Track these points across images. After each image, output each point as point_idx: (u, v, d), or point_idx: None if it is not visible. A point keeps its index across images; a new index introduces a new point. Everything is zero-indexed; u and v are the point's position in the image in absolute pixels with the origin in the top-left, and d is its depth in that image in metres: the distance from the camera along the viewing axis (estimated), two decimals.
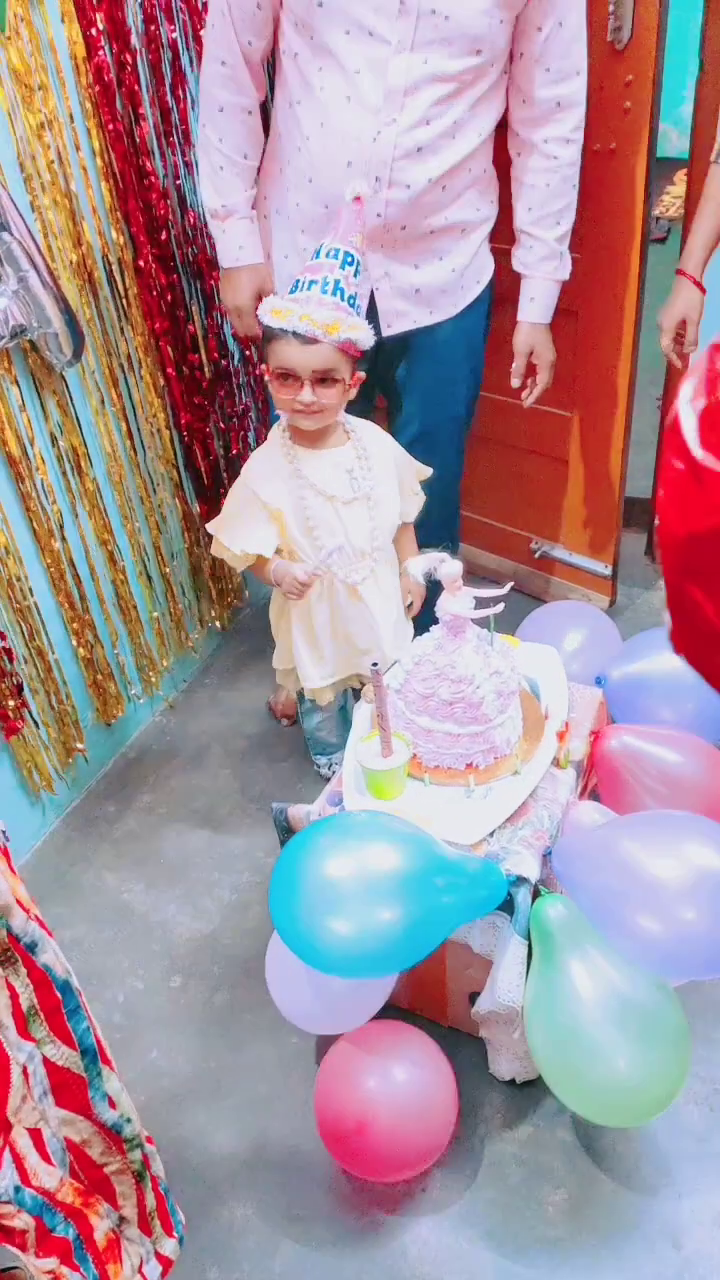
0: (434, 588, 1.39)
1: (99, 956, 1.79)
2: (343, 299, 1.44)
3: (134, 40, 1.80)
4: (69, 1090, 1.03)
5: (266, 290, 1.78)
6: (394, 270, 1.69)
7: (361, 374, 1.54)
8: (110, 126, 1.79)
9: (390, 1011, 1.47)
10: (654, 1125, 1.43)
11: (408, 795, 1.42)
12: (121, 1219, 1.15)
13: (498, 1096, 1.50)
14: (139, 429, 2.05)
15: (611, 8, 1.76)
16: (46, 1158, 0.99)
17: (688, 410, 0.43)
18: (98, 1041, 1.05)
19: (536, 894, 1.31)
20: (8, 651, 1.82)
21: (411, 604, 1.80)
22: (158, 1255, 1.22)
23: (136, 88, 1.82)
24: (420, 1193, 1.41)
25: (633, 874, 1.23)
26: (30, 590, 1.86)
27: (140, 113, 1.84)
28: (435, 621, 1.41)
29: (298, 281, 1.48)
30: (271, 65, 1.70)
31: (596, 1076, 1.22)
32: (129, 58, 1.80)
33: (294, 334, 1.43)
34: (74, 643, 2.01)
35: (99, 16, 1.72)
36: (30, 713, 1.92)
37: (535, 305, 1.84)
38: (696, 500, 0.43)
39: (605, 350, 2.10)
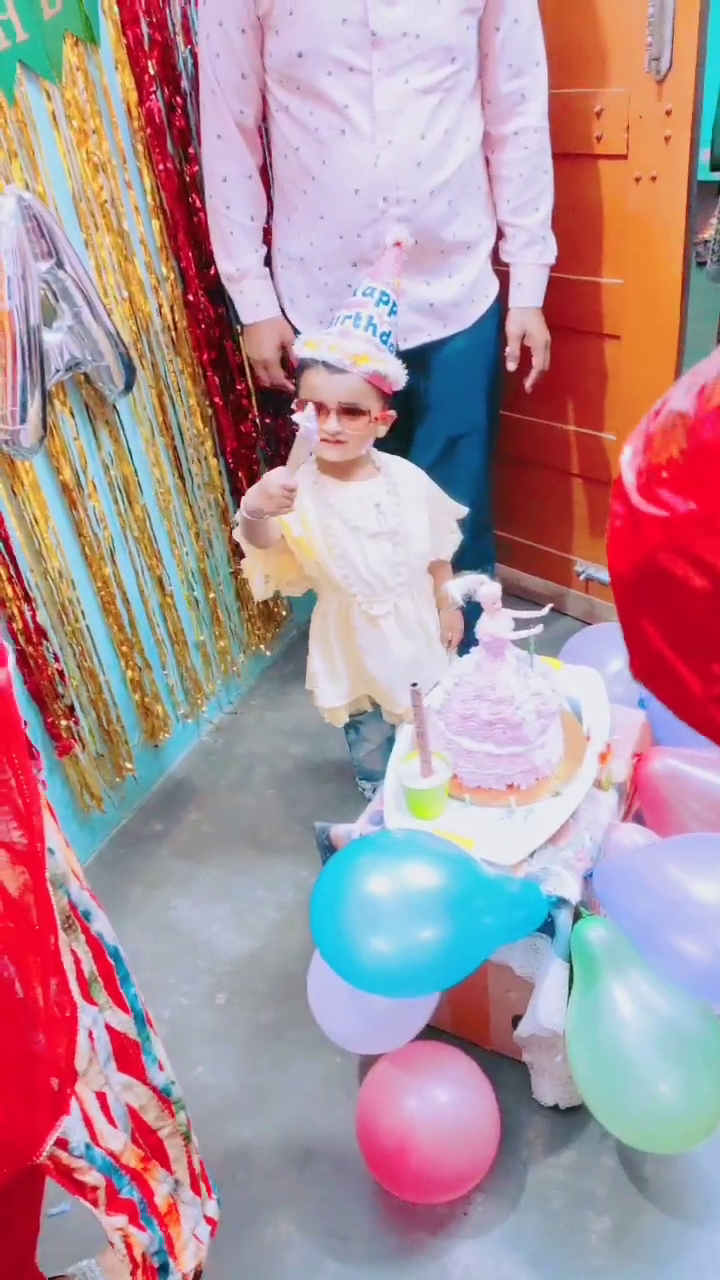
0: (474, 609, 1.41)
1: (146, 972, 1.82)
2: (375, 334, 1.48)
3: (184, 84, 1.88)
4: (127, 1055, 1.07)
5: (288, 341, 1.88)
6: (407, 287, 1.76)
7: (392, 412, 1.56)
8: (161, 166, 1.87)
9: (432, 1033, 1.48)
10: (699, 1153, 1.41)
11: (448, 815, 1.43)
12: (176, 1183, 1.18)
13: (541, 1121, 1.49)
14: (187, 457, 2.11)
15: (650, 39, 1.79)
16: (111, 1121, 1.03)
17: (628, 469, 0.48)
18: (144, 1007, 1.09)
19: (578, 916, 1.31)
20: (60, 674, 1.88)
21: (451, 639, 1.80)
22: (205, 1217, 1.25)
23: (186, 129, 1.89)
24: (463, 1215, 1.40)
25: (675, 897, 1.23)
26: (82, 613, 1.92)
27: (190, 152, 1.91)
28: (476, 643, 1.42)
29: (335, 318, 1.52)
30: (265, 128, 1.78)
31: (639, 1102, 1.21)
32: (179, 101, 1.87)
33: (323, 364, 1.47)
34: (123, 665, 2.06)
35: (150, 63, 1.80)
36: (81, 733, 1.97)
37: (523, 290, 1.90)
38: (636, 541, 0.48)
39: (648, 374, 2.11)
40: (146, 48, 1.79)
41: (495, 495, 2.18)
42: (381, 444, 2.01)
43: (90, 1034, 0.99)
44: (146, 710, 2.15)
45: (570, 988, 1.31)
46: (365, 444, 1.56)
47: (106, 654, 2.02)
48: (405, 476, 1.64)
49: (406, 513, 1.60)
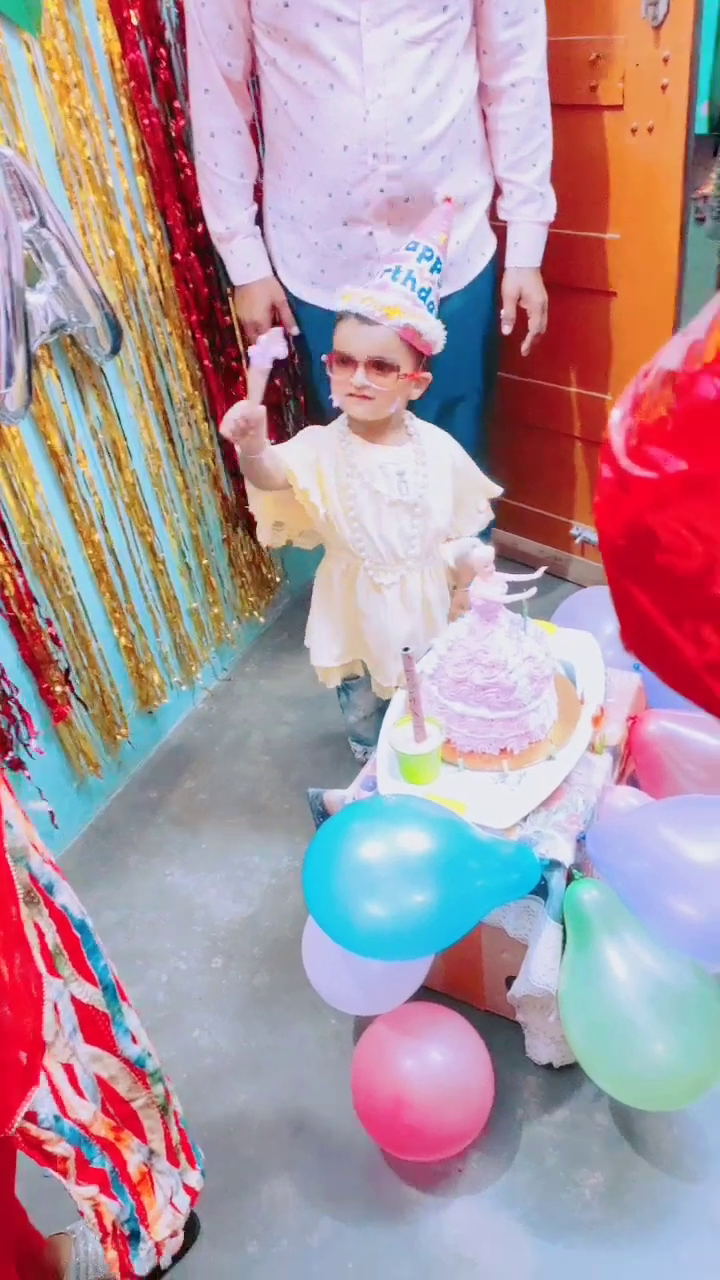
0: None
1: (143, 938, 1.83)
2: (413, 288, 1.43)
3: (168, 34, 1.82)
4: (95, 1026, 1.07)
5: (279, 302, 1.84)
6: (400, 246, 1.70)
7: (427, 374, 1.50)
8: (146, 121, 1.82)
9: (427, 994, 1.49)
10: (692, 1110, 1.42)
11: (442, 780, 1.43)
12: (151, 1152, 1.19)
13: (535, 1080, 1.50)
14: (177, 421, 2.08)
15: None
16: (80, 1092, 1.03)
17: (617, 430, 0.47)
18: (115, 979, 1.08)
19: (571, 878, 1.31)
20: (54, 638, 1.87)
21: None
22: (185, 1186, 1.26)
23: (171, 82, 1.84)
24: (457, 1174, 1.42)
25: (669, 858, 1.23)
26: (73, 580, 1.90)
27: (175, 107, 1.86)
28: None
29: (376, 269, 1.47)
30: (254, 83, 1.73)
31: (632, 1061, 1.22)
32: (163, 52, 1.82)
33: (355, 315, 1.42)
34: (116, 632, 2.05)
35: (133, 13, 1.75)
36: (77, 697, 1.96)
37: (520, 250, 1.85)
38: (624, 504, 0.47)
39: (645, 332, 2.07)
40: None
41: (493, 459, 2.16)
42: None
43: (55, 1007, 0.99)
44: (140, 677, 2.14)
45: (564, 949, 1.32)
46: (394, 403, 1.48)
47: (99, 621, 2.00)
48: (436, 447, 1.57)
49: (431, 485, 1.54)
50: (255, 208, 1.82)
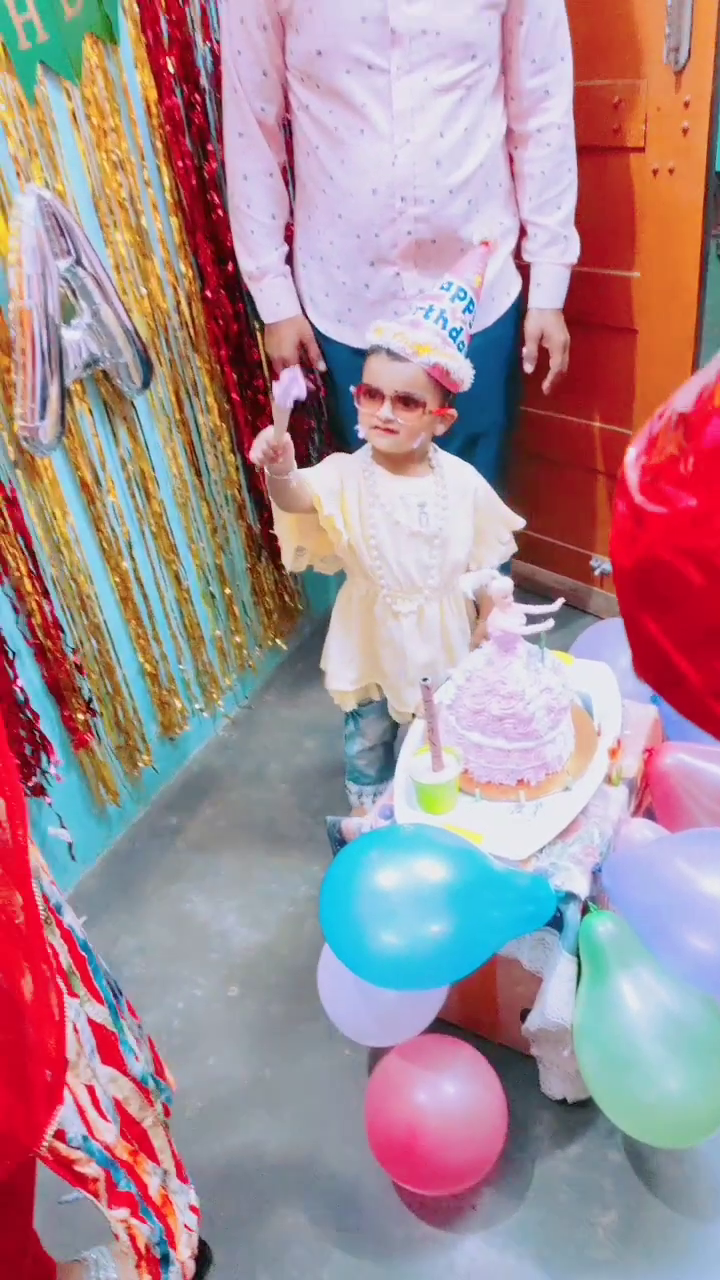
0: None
1: (161, 964, 1.84)
2: (444, 327, 1.46)
3: (203, 80, 1.89)
4: (107, 1046, 1.08)
5: (307, 339, 1.88)
6: (427, 286, 1.74)
7: (453, 411, 1.53)
8: (180, 163, 1.88)
9: (442, 1026, 1.48)
10: (707, 1147, 1.41)
11: (459, 810, 1.43)
12: (165, 1173, 1.19)
13: (549, 1115, 1.49)
14: (204, 453, 2.13)
15: (668, 29, 1.78)
16: (102, 1114, 1.04)
17: (632, 468, 0.49)
18: (114, 993, 1.09)
19: (586, 911, 1.31)
20: (79, 667, 1.90)
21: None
22: (190, 1206, 1.26)
23: (205, 126, 1.91)
24: (470, 1210, 1.41)
25: (684, 891, 1.22)
26: (100, 607, 1.94)
27: (209, 149, 1.92)
28: None
29: (411, 307, 1.50)
30: (287, 127, 1.78)
31: (646, 1096, 1.21)
32: (198, 98, 1.88)
33: (386, 350, 1.45)
34: (140, 659, 2.08)
35: (169, 61, 1.81)
36: (98, 727, 1.99)
37: (543, 290, 1.88)
38: (638, 538, 0.49)
39: (666, 369, 2.10)
40: (166, 46, 1.80)
41: (515, 490, 2.18)
42: None
43: (75, 1027, 1.00)
44: (163, 704, 2.17)
45: (579, 982, 1.32)
46: (419, 438, 1.51)
47: (124, 648, 2.04)
48: (458, 481, 1.59)
49: (452, 518, 1.56)
50: (286, 248, 1.87)
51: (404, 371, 1.44)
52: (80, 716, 1.92)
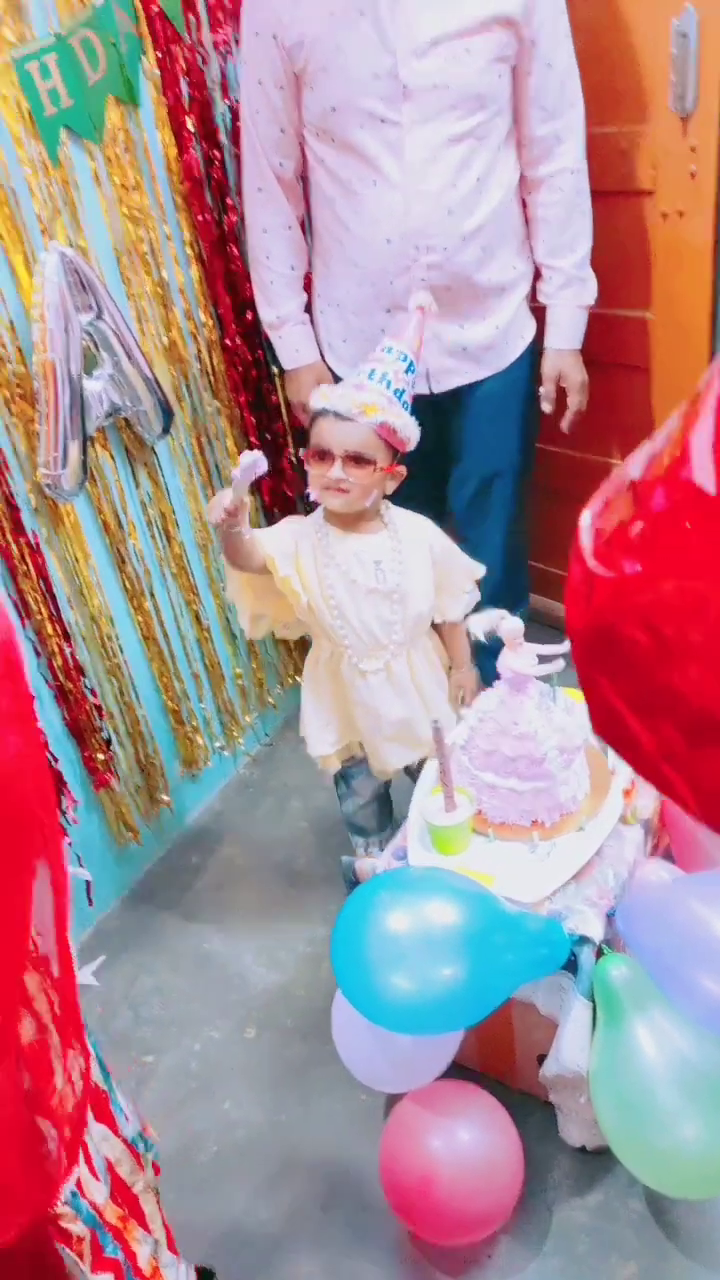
0: (497, 646, 1.42)
1: (179, 1005, 1.84)
2: (389, 388, 1.49)
3: (222, 137, 1.95)
4: (99, 1104, 1.07)
5: (325, 383, 1.90)
6: (441, 331, 1.77)
7: (402, 468, 1.55)
8: (200, 217, 1.94)
9: (460, 1072, 1.47)
10: None
11: (472, 851, 1.43)
12: (155, 1243, 1.16)
13: (568, 1163, 1.47)
14: None
15: (673, 76, 1.82)
16: (93, 1171, 1.02)
17: (586, 532, 0.50)
18: (101, 1052, 1.09)
19: (600, 954, 1.30)
20: (98, 708, 1.93)
21: (463, 697, 1.72)
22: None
23: (224, 180, 1.96)
24: (487, 1259, 1.38)
25: (701, 934, 1.21)
26: (121, 648, 1.97)
27: (227, 203, 1.98)
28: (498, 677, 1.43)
29: (353, 371, 1.54)
30: (305, 179, 1.83)
31: (663, 1145, 1.19)
32: (217, 154, 1.94)
33: (333, 413, 1.47)
34: (162, 697, 2.11)
35: (189, 120, 1.87)
36: (118, 766, 2.01)
37: (560, 331, 1.89)
38: (589, 600, 0.50)
39: (678, 406, 2.11)
40: (186, 105, 1.86)
41: (534, 527, 2.19)
42: (417, 483, 2.04)
43: (70, 1079, 1.00)
44: (185, 742, 2.19)
45: (594, 1027, 1.30)
46: (370, 496, 1.52)
47: (145, 688, 2.06)
48: (413, 535, 1.60)
49: (409, 572, 1.57)
50: (305, 297, 1.91)
51: (353, 431, 1.47)
52: (100, 756, 1.95)
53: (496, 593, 2.05)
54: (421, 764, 1.67)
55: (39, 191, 1.63)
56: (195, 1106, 1.66)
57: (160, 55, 1.79)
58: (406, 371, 1.51)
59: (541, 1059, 1.43)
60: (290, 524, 1.61)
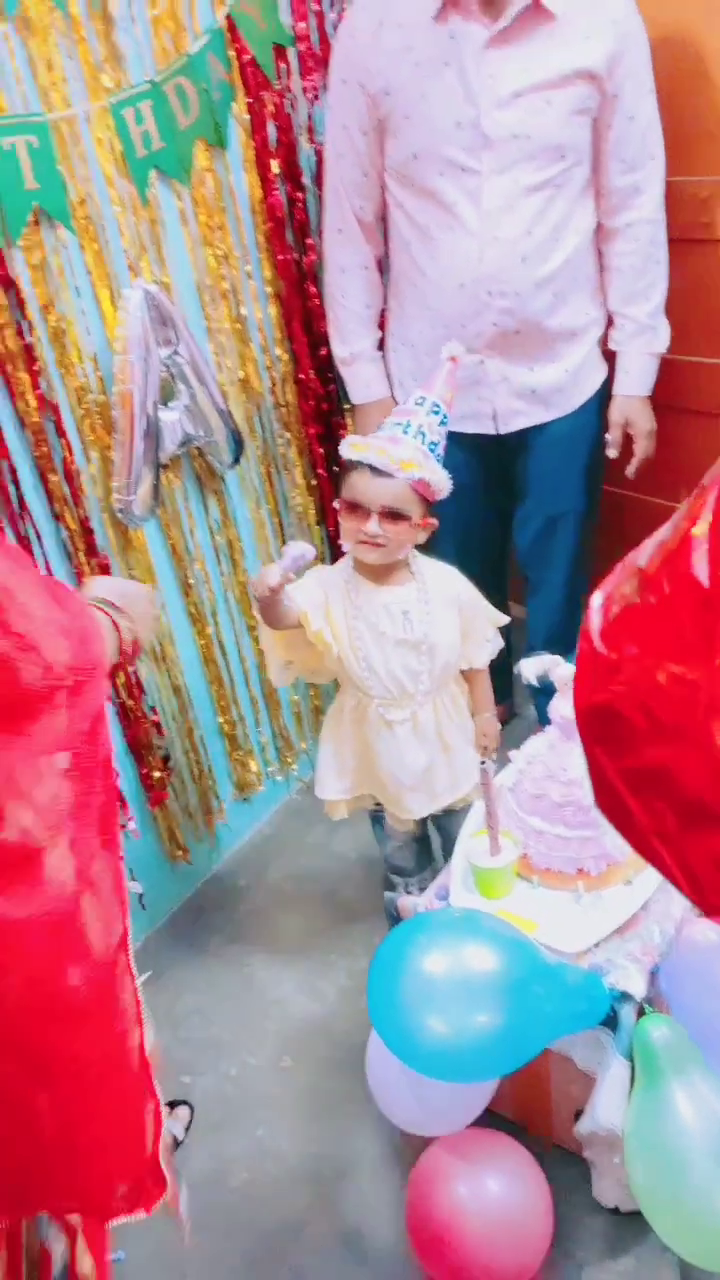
0: (549, 691, 1.42)
1: (218, 1027, 1.86)
2: (423, 442, 1.49)
3: (305, 179, 2.00)
4: None
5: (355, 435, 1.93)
6: (510, 374, 1.78)
7: (434, 520, 1.55)
8: (280, 256, 1.99)
9: (493, 1119, 1.45)
10: None
11: (515, 895, 1.42)
12: None
13: (600, 1223, 1.43)
14: (289, 524, 2.20)
15: None
16: None
17: (596, 612, 0.51)
18: None
19: (641, 1013, 1.28)
20: (157, 726, 1.97)
21: (486, 746, 1.71)
22: None
23: (305, 221, 2.02)
24: None
25: None
26: (182, 670, 2.01)
27: (307, 243, 2.03)
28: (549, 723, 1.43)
29: (384, 423, 1.55)
30: (384, 220, 1.86)
31: (697, 1214, 1.16)
32: (300, 195, 2.00)
33: (369, 467, 1.47)
34: (219, 720, 2.14)
35: (275, 162, 1.93)
36: (173, 784, 2.05)
37: (630, 378, 1.89)
38: (593, 678, 0.50)
39: None
40: (272, 148, 1.92)
41: (599, 569, 2.18)
42: (480, 521, 2.04)
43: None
44: (239, 765, 2.22)
45: (632, 1087, 1.27)
46: (404, 549, 1.53)
47: (204, 709, 2.10)
48: (440, 586, 1.60)
49: (436, 623, 1.56)
50: (378, 335, 1.94)
51: (390, 487, 1.47)
52: (157, 774, 1.99)
53: (556, 633, 2.05)
54: (447, 812, 1.67)
55: (128, 230, 1.69)
56: (229, 1131, 1.67)
57: (250, 101, 1.85)
58: (440, 424, 1.52)
59: (578, 1114, 1.40)
60: (318, 574, 1.62)
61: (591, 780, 0.56)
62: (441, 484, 1.51)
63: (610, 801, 0.54)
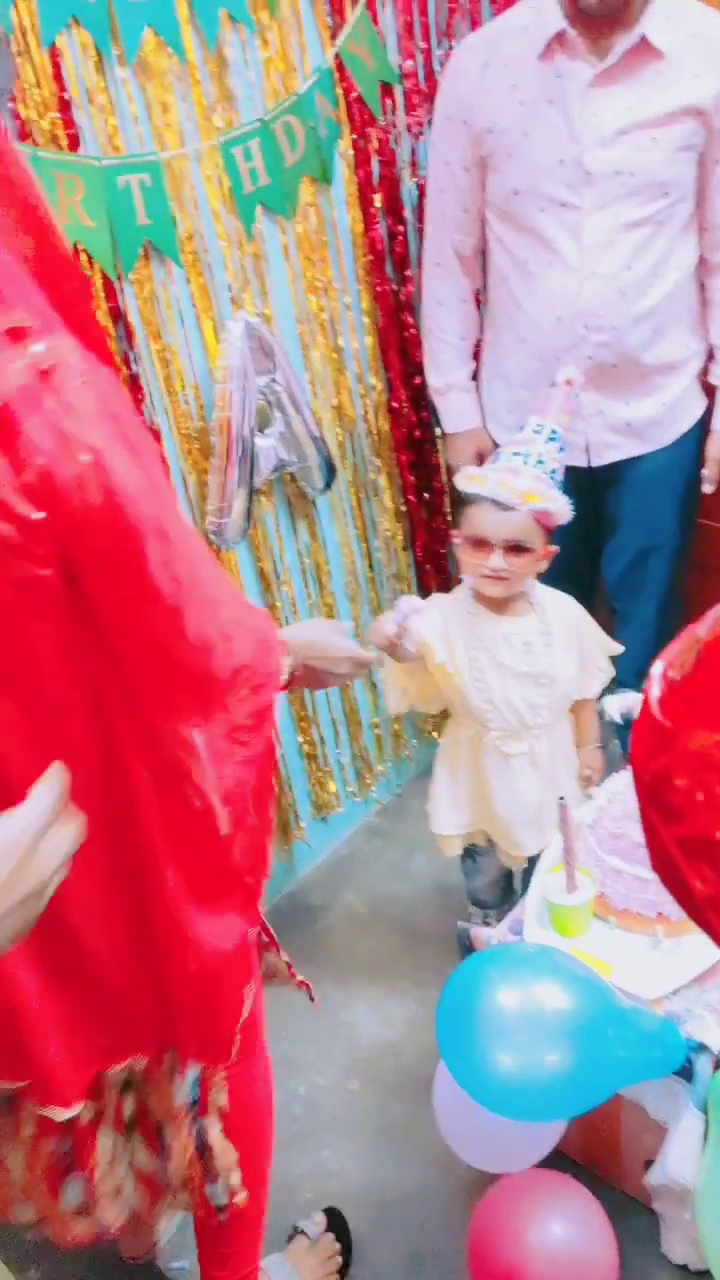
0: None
1: (288, 1044, 1.88)
2: (544, 471, 1.49)
3: (407, 213, 2.04)
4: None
5: (485, 451, 1.93)
6: (606, 407, 1.77)
7: (554, 547, 1.55)
8: (379, 288, 2.03)
9: (560, 1160, 1.43)
10: None
11: (591, 935, 1.40)
12: None
13: (667, 1279, 1.40)
14: (377, 549, 2.23)
15: None
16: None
17: (657, 682, 0.51)
18: None
19: (719, 1065, 1.24)
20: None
21: (590, 778, 1.70)
22: None
23: (405, 254, 2.05)
24: None
25: None
26: None
27: (406, 274, 2.06)
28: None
29: (500, 453, 1.56)
30: (483, 254, 1.87)
31: None
32: (400, 229, 2.03)
33: (491, 500, 1.47)
34: (300, 740, 2.17)
35: (377, 197, 1.97)
36: None
37: None
38: (651, 746, 0.51)
39: None
40: (375, 183, 1.96)
41: (693, 604, 2.14)
42: (570, 553, 2.03)
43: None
44: (318, 785, 2.25)
45: (706, 1140, 1.24)
46: (526, 580, 1.54)
47: (284, 728, 2.14)
48: (559, 616, 1.59)
49: (556, 655, 1.56)
50: (473, 365, 1.96)
51: (513, 520, 1.46)
52: None
53: (644, 668, 2.01)
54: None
55: (232, 263, 1.75)
56: (294, 1150, 1.68)
57: (355, 137, 1.90)
58: (559, 451, 1.52)
59: (648, 1164, 1.37)
60: (439, 603, 1.63)
61: (648, 845, 0.56)
62: (563, 511, 1.51)
63: (666, 867, 0.55)
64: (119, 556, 0.78)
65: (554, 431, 1.52)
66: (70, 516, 0.74)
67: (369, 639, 1.46)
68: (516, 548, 1.48)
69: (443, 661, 1.54)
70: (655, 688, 0.53)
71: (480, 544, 1.49)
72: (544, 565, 1.56)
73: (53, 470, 0.73)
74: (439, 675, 1.55)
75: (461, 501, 1.54)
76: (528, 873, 1.75)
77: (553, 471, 1.51)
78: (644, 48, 1.57)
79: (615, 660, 1.71)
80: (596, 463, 1.85)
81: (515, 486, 1.46)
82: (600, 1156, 1.49)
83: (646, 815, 0.55)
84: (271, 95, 1.74)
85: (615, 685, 1.83)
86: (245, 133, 1.70)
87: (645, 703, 0.54)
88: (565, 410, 1.55)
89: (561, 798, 1.37)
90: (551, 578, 1.99)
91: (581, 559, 2.09)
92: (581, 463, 1.86)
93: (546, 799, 1.62)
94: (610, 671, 1.67)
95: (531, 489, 1.46)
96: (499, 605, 1.57)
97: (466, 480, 1.51)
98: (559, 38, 1.59)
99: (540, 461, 1.49)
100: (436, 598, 1.66)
